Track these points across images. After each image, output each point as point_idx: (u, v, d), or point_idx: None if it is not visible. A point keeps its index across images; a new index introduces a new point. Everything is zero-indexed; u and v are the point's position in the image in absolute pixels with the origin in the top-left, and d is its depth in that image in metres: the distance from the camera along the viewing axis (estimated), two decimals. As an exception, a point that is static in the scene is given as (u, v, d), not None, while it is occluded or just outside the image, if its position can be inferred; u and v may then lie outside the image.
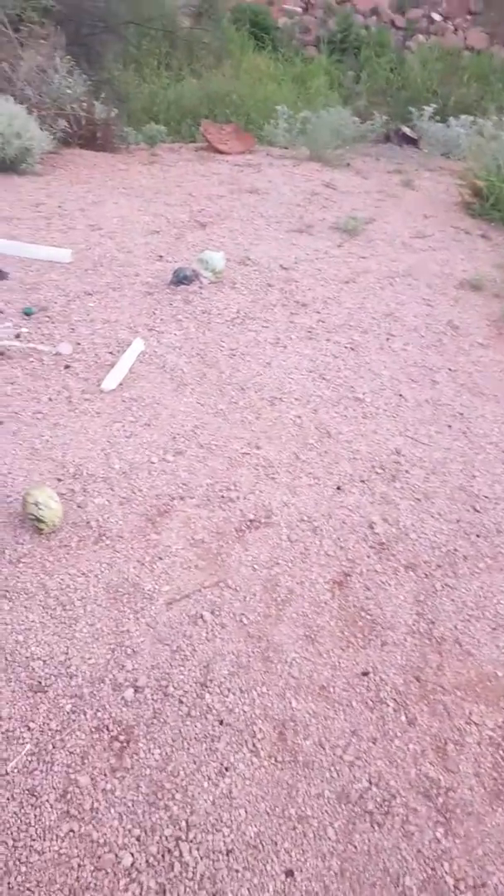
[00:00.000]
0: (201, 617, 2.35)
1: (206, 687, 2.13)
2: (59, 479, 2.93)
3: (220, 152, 7.81)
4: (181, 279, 4.52)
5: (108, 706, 2.07)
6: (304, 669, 2.21)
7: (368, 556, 2.69)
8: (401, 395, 3.74)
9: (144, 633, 2.29)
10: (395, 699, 2.18)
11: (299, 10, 15.61)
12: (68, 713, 2.04)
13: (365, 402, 3.64)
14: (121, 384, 3.58)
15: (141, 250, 5.10)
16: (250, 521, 2.76)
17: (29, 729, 1.99)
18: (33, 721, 2.01)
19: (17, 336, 3.90)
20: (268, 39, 15.26)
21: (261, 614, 2.38)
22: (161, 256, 5.01)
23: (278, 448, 3.18)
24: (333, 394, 3.67)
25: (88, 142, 8.08)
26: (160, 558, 2.58)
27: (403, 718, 2.13)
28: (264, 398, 3.53)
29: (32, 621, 2.30)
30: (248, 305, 4.43)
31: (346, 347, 4.14)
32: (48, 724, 2.01)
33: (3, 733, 1.97)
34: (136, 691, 2.11)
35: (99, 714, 2.04)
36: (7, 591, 2.40)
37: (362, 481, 3.07)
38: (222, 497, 2.89)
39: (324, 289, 4.82)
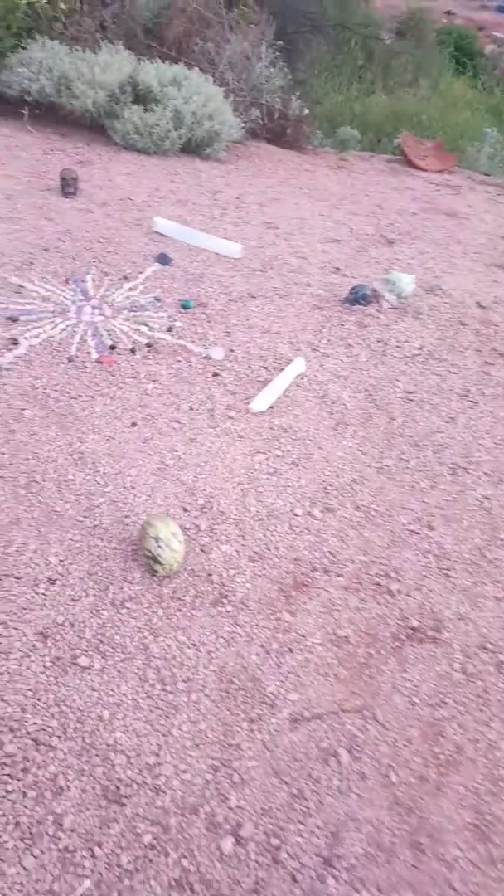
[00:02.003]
0: (335, 755, 1.79)
1: (331, 867, 1.57)
2: (185, 510, 2.48)
3: (416, 167, 7.27)
4: (358, 298, 4.01)
5: (196, 853, 1.55)
6: (470, 883, 1.60)
7: None
8: None
9: (258, 755, 1.76)
10: None
11: (509, 39, 14.84)
12: (146, 847, 1.55)
13: None
14: (271, 407, 3.11)
15: (317, 258, 4.64)
16: (412, 629, 2.17)
17: (93, 855, 1.52)
18: (100, 845, 1.53)
19: (170, 329, 3.54)
20: (470, 65, 14.66)
21: (415, 774, 1.78)
22: (338, 269, 4.53)
23: (457, 535, 2.57)
24: (527, 476, 3.00)
25: (277, 137, 7.80)
26: (290, 650, 2.04)
27: None
28: (444, 463, 2.93)
29: (124, 694, 1.83)
30: (433, 343, 3.84)
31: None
32: (117, 858, 1.52)
33: (60, 850, 1.51)
34: (236, 842, 1.58)
35: (184, 862, 1.53)
36: (103, 641, 1.96)
37: None
38: (378, 585, 2.32)
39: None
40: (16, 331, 3.30)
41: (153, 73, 6.14)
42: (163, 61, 6.45)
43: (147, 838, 1.56)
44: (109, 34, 6.72)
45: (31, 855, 1.49)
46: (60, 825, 1.55)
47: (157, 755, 1.72)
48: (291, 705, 1.89)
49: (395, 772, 1.77)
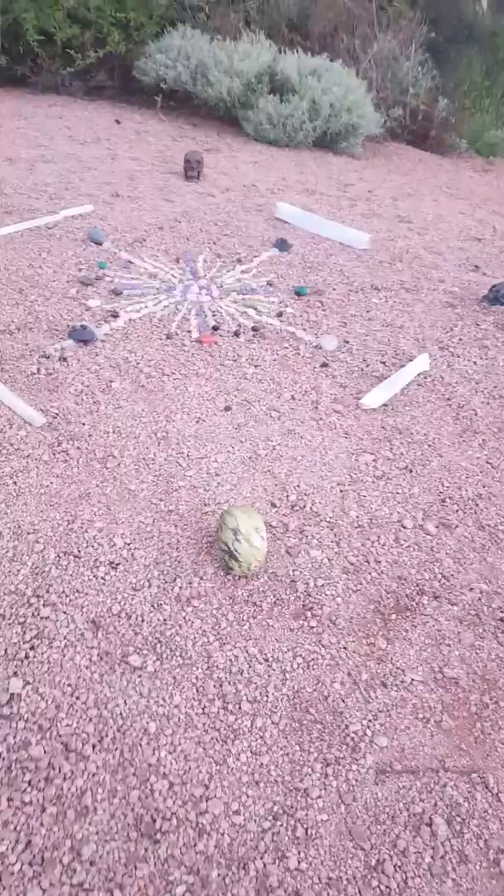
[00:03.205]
0: (430, 824, 1.43)
1: None
2: (274, 505, 2.20)
3: None
4: (500, 297, 3.60)
5: (237, 923, 1.25)
6: None
7: None
8: None
9: (331, 808, 1.44)
10: None
11: None
12: (175, 902, 1.27)
13: None
14: (386, 405, 2.79)
15: (453, 255, 4.27)
16: (544, 680, 1.77)
17: (110, 900, 1.25)
18: (122, 888, 1.27)
19: (279, 315, 3.31)
20: None
21: (537, 869, 1.39)
22: (477, 267, 4.13)
23: None
24: None
25: (419, 139, 7.50)
26: (384, 684, 1.71)
27: None
28: None
29: (176, 706, 1.57)
30: None
31: None
32: (137, 908, 1.25)
33: (73, 886, 1.26)
34: (289, 918, 1.27)
35: (219, 931, 1.24)
36: (160, 640, 1.71)
37: None
38: (501, 621, 1.93)
39: None
40: (117, 304, 3.20)
41: (293, 62, 6.05)
42: (305, 53, 6.35)
43: (180, 890, 1.28)
44: (253, 26, 6.72)
45: (39, 886, 1.25)
46: (79, 854, 1.30)
47: (207, 787, 1.44)
48: (379, 752, 1.56)
49: (509, 862, 1.39)
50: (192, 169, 4.79)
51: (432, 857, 1.39)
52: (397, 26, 7.79)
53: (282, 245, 3.97)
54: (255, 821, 1.40)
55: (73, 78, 6.40)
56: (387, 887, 1.34)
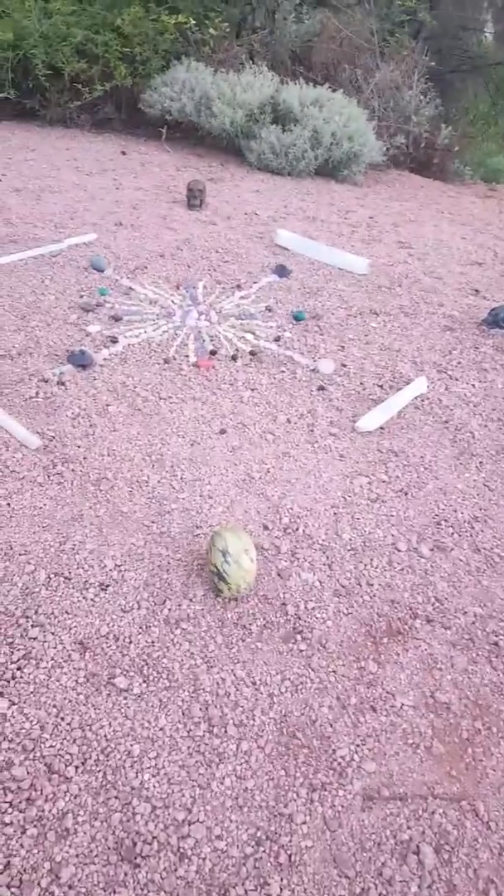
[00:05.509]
0: (417, 852, 1.42)
1: None
2: (266, 527, 2.22)
3: None
4: (499, 321, 3.63)
5: None
6: None
7: None
8: None
9: (316, 834, 1.43)
10: None
11: None
12: (152, 929, 1.25)
13: None
14: (382, 428, 2.81)
15: (453, 279, 4.31)
16: (537, 704, 1.75)
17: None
18: (96, 913, 1.26)
19: (277, 339, 3.35)
20: None
21: (526, 899, 1.37)
22: (477, 291, 4.17)
23: None
24: None
25: (422, 167, 7.62)
26: (373, 709, 1.70)
27: None
28: None
29: (161, 729, 1.57)
30: None
31: None
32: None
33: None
34: None
35: None
36: (147, 662, 1.72)
37: None
38: (496, 646, 1.92)
39: None
40: (117, 329, 3.25)
41: (295, 93, 6.19)
42: (307, 83, 6.50)
43: (158, 916, 1.27)
44: (257, 59, 6.90)
45: (15, 908, 1.25)
46: (57, 877, 1.30)
47: (189, 811, 1.44)
48: (366, 778, 1.55)
49: (497, 889, 1.37)
50: (194, 198, 4.88)
51: (419, 887, 1.37)
52: (399, 57, 7.97)
53: (281, 271, 4.03)
54: (237, 846, 1.39)
55: (81, 111, 6.58)
56: (371, 916, 1.32)
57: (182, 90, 6.21)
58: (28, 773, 1.45)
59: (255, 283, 3.92)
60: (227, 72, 6.40)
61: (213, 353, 3.16)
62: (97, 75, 6.30)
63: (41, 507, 2.15)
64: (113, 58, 6.27)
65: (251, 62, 6.70)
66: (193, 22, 6.52)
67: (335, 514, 2.32)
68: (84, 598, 1.88)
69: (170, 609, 1.88)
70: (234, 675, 1.73)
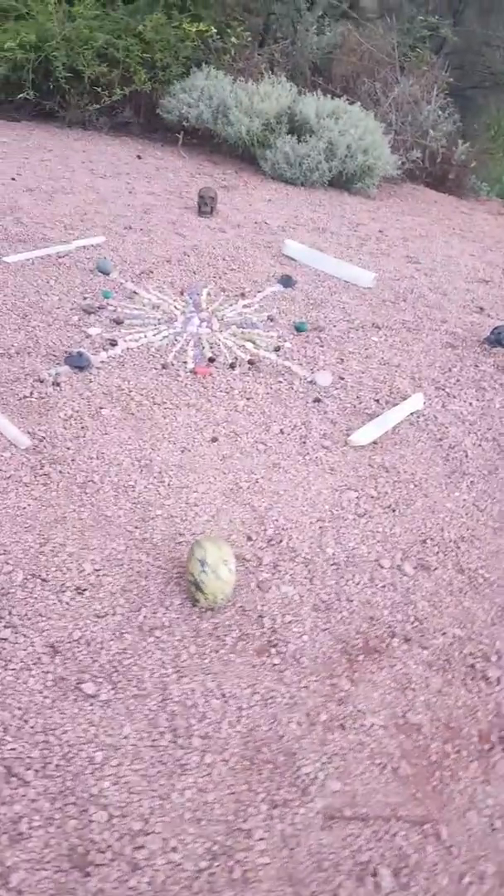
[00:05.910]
0: (374, 874, 1.40)
1: None
2: (250, 538, 2.21)
3: None
4: (501, 340, 3.61)
5: None
6: None
7: None
8: None
9: (273, 851, 1.41)
10: None
11: None
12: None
13: None
14: (375, 442, 2.80)
15: (458, 296, 4.30)
16: (509, 731, 1.73)
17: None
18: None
19: (277, 349, 3.35)
20: None
21: (482, 929, 1.35)
22: (482, 309, 4.16)
23: None
24: None
25: (437, 182, 7.62)
26: (342, 727, 1.68)
27: None
28: None
29: (125, 737, 1.57)
30: None
31: None
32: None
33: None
34: None
35: None
36: (117, 669, 1.71)
37: None
38: (472, 668, 1.90)
39: None
40: (117, 333, 3.26)
41: (312, 104, 6.21)
42: (325, 95, 6.52)
43: (107, 928, 1.26)
44: (277, 69, 6.93)
45: (-38, 912, 1.24)
46: (6, 882, 1.29)
47: (146, 821, 1.43)
48: (329, 797, 1.53)
49: (452, 919, 1.35)
50: (205, 205, 4.90)
51: (373, 910, 1.36)
52: (420, 72, 7.99)
53: (286, 281, 4.04)
54: (192, 860, 1.38)
55: (100, 114, 6.63)
56: (322, 938, 1.31)
57: (200, 97, 6.24)
58: (-13, 774, 1.45)
59: (259, 292, 3.92)
60: (246, 81, 6.43)
61: (211, 360, 3.16)
62: (117, 79, 6.35)
63: (24, 508, 2.16)
64: (133, 63, 6.32)
65: (271, 72, 6.73)
66: (215, 31, 6.56)
67: (321, 527, 2.31)
68: (59, 601, 1.88)
69: (145, 616, 1.87)
70: (205, 686, 1.72)
